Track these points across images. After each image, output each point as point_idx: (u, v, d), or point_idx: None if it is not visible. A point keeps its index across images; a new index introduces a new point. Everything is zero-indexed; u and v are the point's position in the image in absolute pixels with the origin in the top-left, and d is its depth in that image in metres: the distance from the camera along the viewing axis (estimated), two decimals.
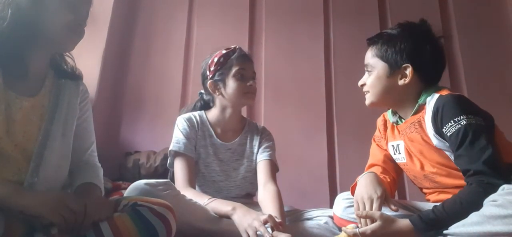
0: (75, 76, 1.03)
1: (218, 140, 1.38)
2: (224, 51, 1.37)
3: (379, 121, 1.31)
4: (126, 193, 1.06)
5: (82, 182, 0.97)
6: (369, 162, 1.28)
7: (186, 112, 1.44)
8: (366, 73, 1.19)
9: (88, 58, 2.02)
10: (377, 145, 1.29)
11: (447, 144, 1.03)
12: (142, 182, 1.06)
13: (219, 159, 1.37)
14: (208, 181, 1.35)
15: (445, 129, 1.00)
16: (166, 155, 1.76)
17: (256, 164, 1.38)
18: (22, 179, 0.85)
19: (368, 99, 1.19)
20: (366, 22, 2.31)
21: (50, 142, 0.90)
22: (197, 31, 2.36)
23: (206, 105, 1.46)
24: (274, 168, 1.36)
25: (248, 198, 1.41)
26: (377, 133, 1.31)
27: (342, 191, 1.32)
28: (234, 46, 1.39)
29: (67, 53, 1.02)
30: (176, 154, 1.31)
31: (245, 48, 2.23)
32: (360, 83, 1.21)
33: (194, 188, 1.28)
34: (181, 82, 2.26)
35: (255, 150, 1.40)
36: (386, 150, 1.25)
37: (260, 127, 1.48)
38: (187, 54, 2.32)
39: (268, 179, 1.29)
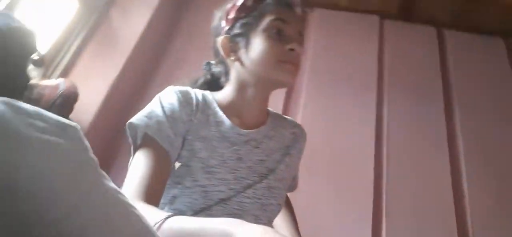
0: None
1: (236, 127, 0.83)
2: None
3: None
4: None
5: None
6: None
7: None
8: None
9: (96, 79, 1.70)
10: None
11: None
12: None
13: (238, 156, 0.81)
14: (211, 198, 0.76)
15: None
16: None
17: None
18: None
19: None
20: (427, 103, 1.99)
21: None
22: None
23: (214, 83, 0.92)
24: None
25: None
26: None
27: None
28: None
29: None
30: (145, 137, 0.75)
31: (279, 108, 1.95)
32: None
33: (157, 205, 0.72)
34: None
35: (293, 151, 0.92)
36: None
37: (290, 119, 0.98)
38: None
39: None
